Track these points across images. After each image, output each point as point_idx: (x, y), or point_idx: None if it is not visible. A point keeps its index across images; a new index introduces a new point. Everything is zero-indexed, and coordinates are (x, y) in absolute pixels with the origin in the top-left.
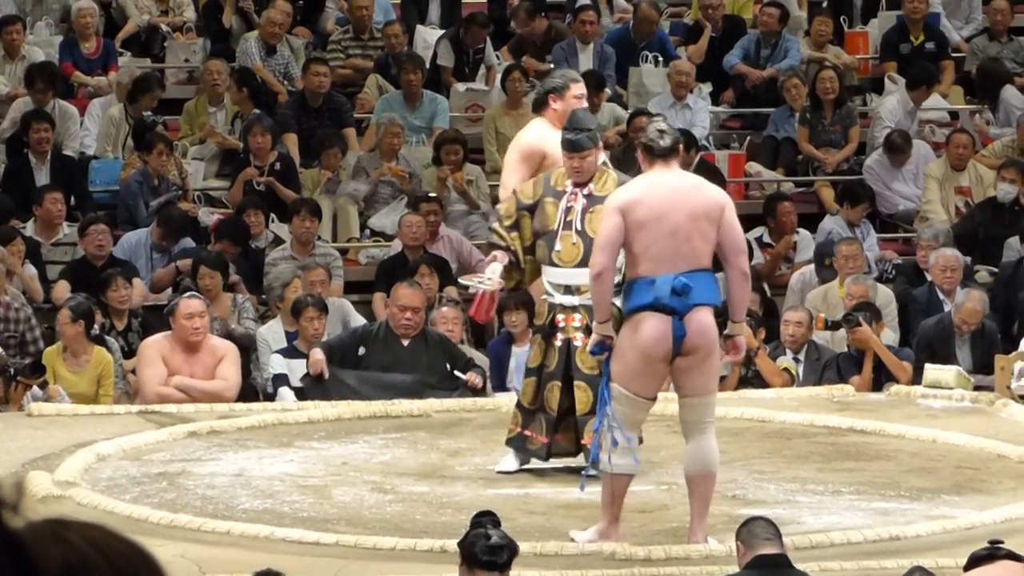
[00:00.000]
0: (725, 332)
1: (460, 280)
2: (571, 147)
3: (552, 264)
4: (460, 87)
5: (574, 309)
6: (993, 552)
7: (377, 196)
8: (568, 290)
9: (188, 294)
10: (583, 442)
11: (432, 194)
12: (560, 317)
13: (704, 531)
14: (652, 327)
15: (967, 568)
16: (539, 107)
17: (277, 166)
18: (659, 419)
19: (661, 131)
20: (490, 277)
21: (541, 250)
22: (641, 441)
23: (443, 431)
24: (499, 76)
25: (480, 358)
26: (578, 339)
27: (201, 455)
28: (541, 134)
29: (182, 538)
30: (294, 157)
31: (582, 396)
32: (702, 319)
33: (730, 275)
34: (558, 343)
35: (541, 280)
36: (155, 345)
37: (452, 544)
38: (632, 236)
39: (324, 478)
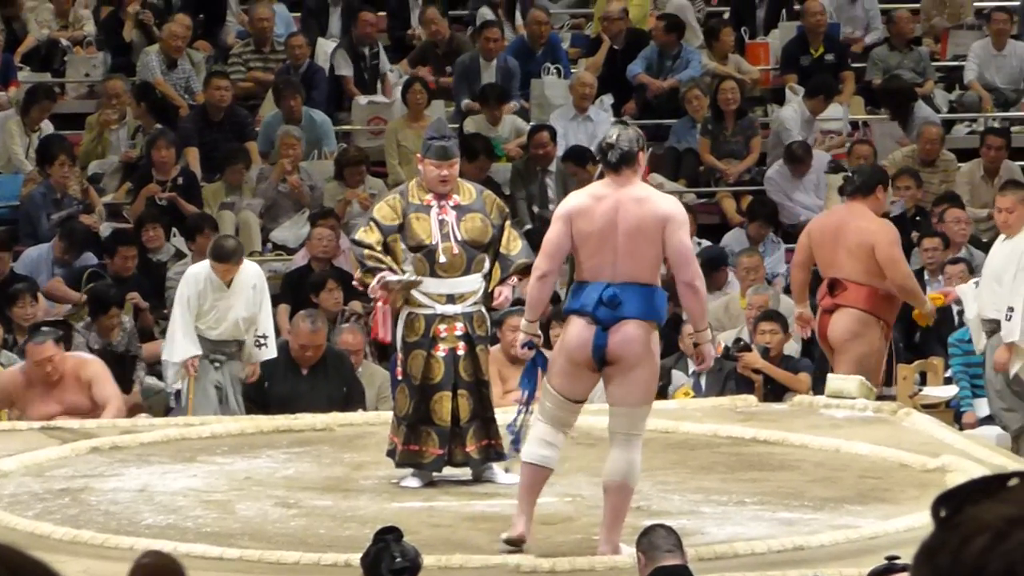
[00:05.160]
0: (693, 341)
1: (376, 285)
2: (444, 154)
3: (434, 276)
4: (362, 100)
5: (455, 318)
6: (890, 567)
7: (278, 209)
8: (451, 299)
9: (38, 338)
10: (467, 450)
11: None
12: (441, 327)
13: (612, 543)
14: (575, 332)
15: None
16: (866, 192)
17: (180, 180)
18: None
19: (610, 145)
20: (400, 279)
21: (420, 264)
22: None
23: (347, 445)
24: (399, 88)
25: (382, 373)
26: (460, 348)
27: (104, 471)
28: None
29: (85, 554)
30: (196, 171)
31: (464, 404)
32: (627, 331)
33: (678, 288)
34: (441, 354)
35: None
36: (8, 381)
37: (356, 558)
38: (575, 245)
39: (227, 493)
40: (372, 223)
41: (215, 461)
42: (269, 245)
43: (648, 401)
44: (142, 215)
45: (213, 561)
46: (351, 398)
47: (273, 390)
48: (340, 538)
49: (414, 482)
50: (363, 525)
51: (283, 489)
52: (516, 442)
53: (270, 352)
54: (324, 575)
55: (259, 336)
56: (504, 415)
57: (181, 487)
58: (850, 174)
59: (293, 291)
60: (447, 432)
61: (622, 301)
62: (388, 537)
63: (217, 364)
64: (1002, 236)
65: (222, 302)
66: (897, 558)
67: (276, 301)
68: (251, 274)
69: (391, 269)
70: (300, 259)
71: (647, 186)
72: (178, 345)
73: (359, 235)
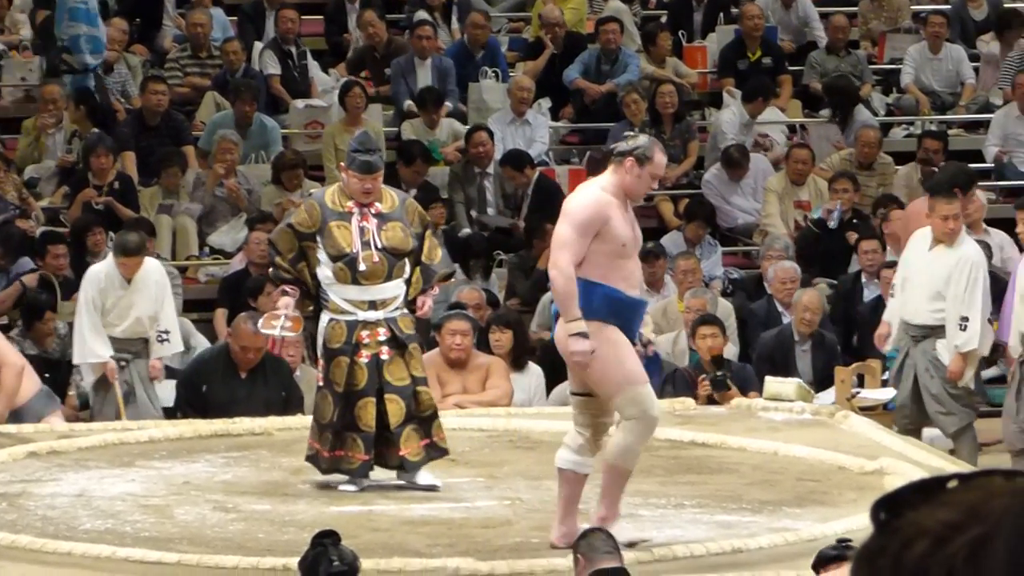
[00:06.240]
0: None
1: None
2: (368, 169)
3: (356, 283)
4: (299, 104)
5: (377, 324)
6: (842, 552)
7: (216, 214)
8: (372, 305)
9: None
10: (401, 454)
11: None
12: (364, 333)
13: (599, 514)
14: None
15: (815, 566)
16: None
17: (116, 185)
18: (501, 434)
19: (624, 138)
20: (286, 316)
21: (341, 273)
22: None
23: (285, 449)
24: (335, 93)
25: None
26: (384, 353)
27: (41, 475)
28: None
29: (23, 559)
30: (132, 175)
31: (395, 409)
32: (558, 324)
33: None
34: (364, 360)
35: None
36: None
37: (294, 562)
38: None
39: (166, 497)
40: (289, 228)
41: (153, 466)
42: (207, 249)
43: (613, 392)
44: (79, 220)
45: (151, 566)
46: (289, 402)
47: (211, 394)
48: (279, 542)
49: (352, 487)
50: (301, 529)
51: (221, 493)
52: None
53: (173, 347)
54: None
55: (161, 331)
56: (444, 419)
57: (119, 492)
58: (935, 170)
59: (230, 295)
60: (372, 437)
61: None
62: (326, 541)
63: (123, 363)
64: (931, 244)
65: (124, 299)
66: (849, 541)
67: (213, 305)
68: (152, 270)
69: (297, 280)
70: (237, 263)
71: (592, 183)
72: (88, 346)
73: (274, 236)
